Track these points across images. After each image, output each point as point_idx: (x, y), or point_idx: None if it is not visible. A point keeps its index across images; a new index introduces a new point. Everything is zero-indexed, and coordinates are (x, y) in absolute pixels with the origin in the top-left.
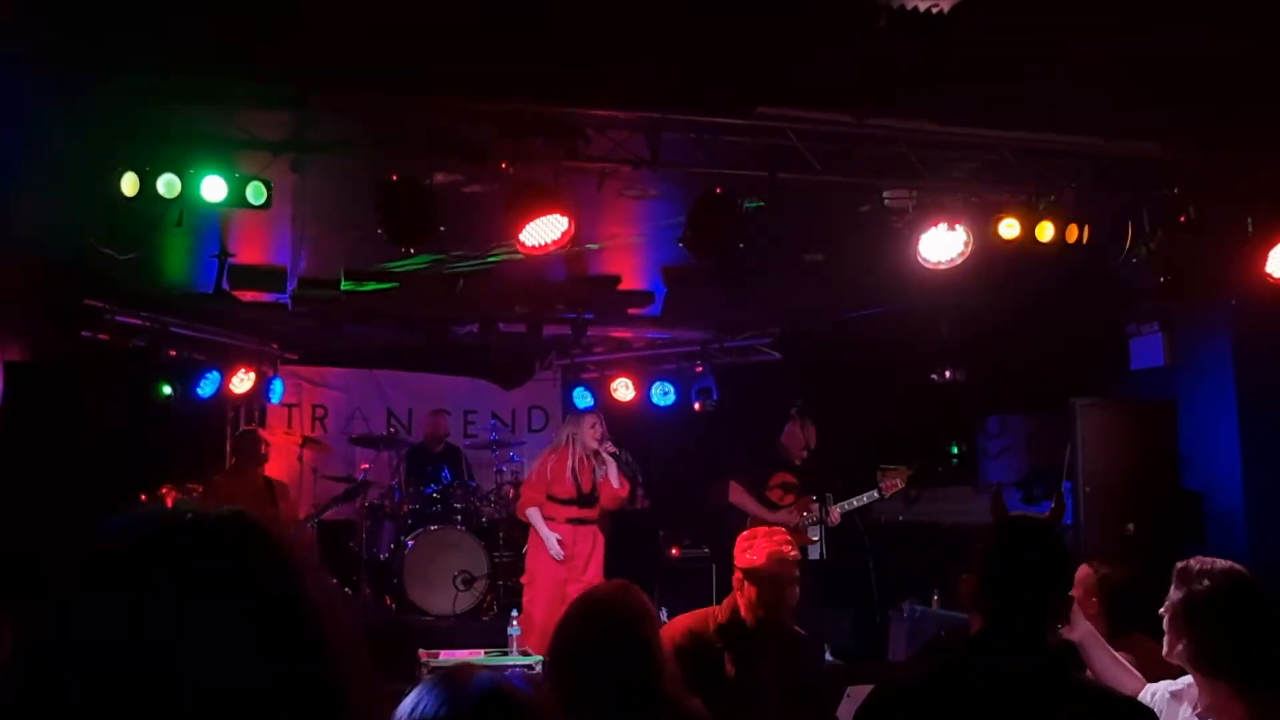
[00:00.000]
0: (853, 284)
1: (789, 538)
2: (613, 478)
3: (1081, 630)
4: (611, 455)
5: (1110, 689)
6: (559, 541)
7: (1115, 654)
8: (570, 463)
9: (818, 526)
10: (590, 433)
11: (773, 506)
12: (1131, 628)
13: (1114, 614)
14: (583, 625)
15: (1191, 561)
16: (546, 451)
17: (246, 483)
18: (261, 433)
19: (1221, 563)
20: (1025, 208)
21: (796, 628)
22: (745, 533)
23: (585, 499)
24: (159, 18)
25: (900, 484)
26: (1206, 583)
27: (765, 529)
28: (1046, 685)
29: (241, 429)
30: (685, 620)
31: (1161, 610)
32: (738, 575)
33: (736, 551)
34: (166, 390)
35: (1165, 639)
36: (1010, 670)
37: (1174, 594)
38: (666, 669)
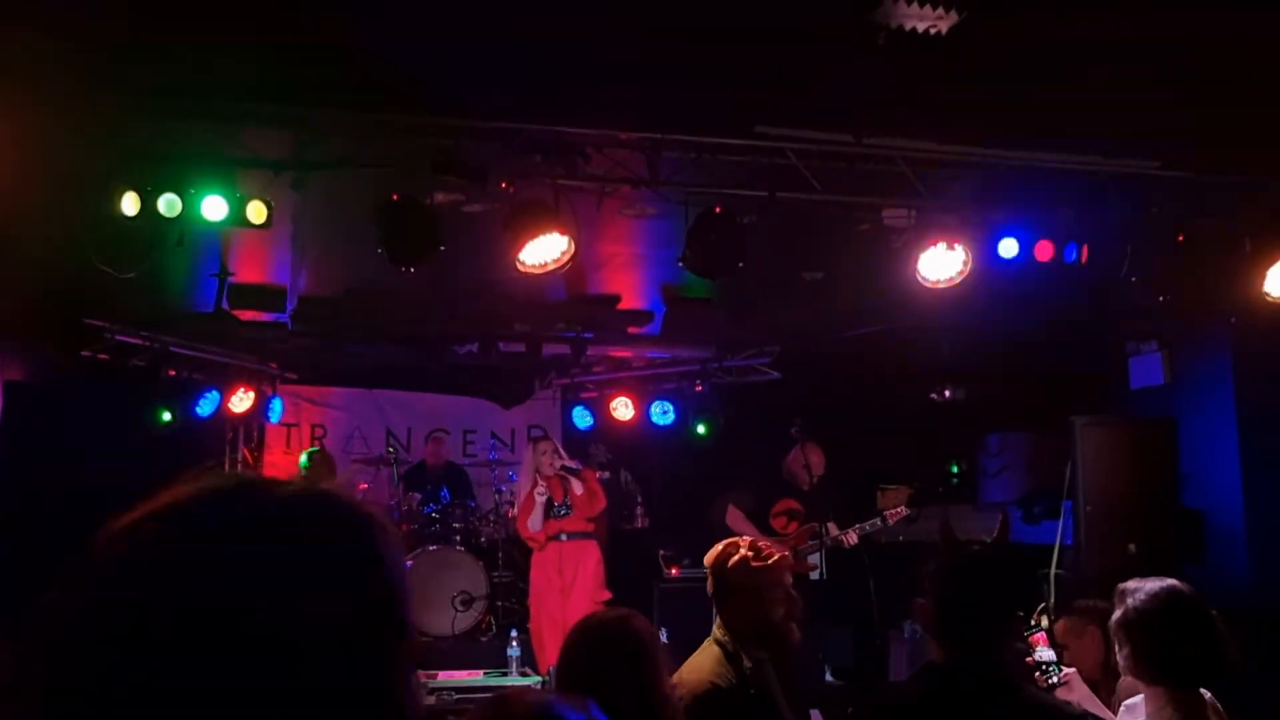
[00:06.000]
0: (852, 303)
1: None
2: (576, 488)
3: (1078, 693)
4: (568, 471)
5: (1062, 704)
6: (552, 560)
7: (1096, 699)
8: (533, 488)
9: (819, 553)
10: (544, 460)
11: (773, 534)
12: None
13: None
14: (582, 655)
15: (1130, 581)
16: (521, 487)
17: None
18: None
19: (1156, 580)
20: (1024, 227)
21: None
22: (723, 544)
23: (557, 509)
24: (162, 37)
25: (904, 510)
26: (1140, 596)
27: (743, 538)
28: (1004, 704)
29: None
30: (702, 677)
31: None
32: (739, 596)
33: (725, 567)
34: (166, 410)
35: (1115, 651)
36: (971, 694)
37: (1115, 612)
38: (669, 704)
